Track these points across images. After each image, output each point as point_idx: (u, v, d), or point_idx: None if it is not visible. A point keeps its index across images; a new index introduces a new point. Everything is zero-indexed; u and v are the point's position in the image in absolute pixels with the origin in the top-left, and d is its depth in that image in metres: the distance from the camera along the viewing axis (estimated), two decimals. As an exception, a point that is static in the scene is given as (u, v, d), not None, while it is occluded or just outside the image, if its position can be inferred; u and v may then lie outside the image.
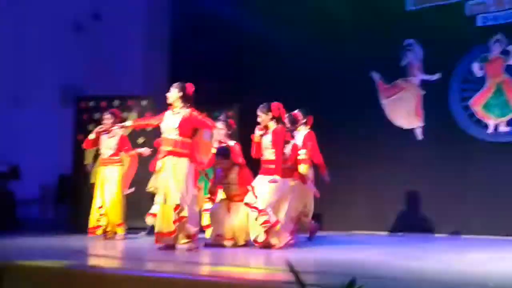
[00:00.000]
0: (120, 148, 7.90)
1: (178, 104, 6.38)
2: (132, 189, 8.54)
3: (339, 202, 9.65)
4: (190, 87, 6.43)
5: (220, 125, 7.29)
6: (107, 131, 7.87)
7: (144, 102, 9.11)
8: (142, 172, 8.86)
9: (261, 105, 6.71)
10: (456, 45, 9.15)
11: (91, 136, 7.91)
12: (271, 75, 10.37)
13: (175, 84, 6.46)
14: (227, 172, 7.04)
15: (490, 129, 8.92)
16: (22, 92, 10.13)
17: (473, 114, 9.05)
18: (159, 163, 6.32)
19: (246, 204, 6.47)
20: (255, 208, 6.34)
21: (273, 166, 6.51)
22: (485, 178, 8.76)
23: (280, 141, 6.55)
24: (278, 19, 10.32)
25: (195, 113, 6.40)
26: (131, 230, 8.23)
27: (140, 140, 8.88)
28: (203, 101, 9.78)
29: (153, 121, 6.67)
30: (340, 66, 9.82)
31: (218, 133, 7.24)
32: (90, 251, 6.19)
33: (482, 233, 8.48)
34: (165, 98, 6.50)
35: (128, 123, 6.98)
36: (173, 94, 6.39)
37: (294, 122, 7.44)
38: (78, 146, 8.93)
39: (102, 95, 9.24)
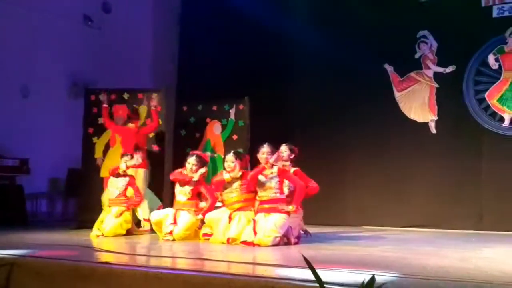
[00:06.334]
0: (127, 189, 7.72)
1: None
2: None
3: (350, 197, 9.56)
4: None
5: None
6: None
7: (154, 95, 8.98)
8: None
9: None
10: (471, 37, 9.02)
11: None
12: (281, 68, 10.26)
13: None
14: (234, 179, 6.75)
15: (506, 122, 8.77)
16: (31, 85, 10.08)
17: (488, 107, 8.89)
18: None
19: (244, 242, 6.19)
20: (250, 244, 6.12)
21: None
22: (501, 172, 8.63)
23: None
24: (288, 11, 10.22)
25: None
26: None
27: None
28: (213, 95, 9.80)
29: None
30: (353, 58, 9.68)
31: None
32: (98, 246, 6.10)
33: (496, 228, 8.37)
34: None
35: None
36: None
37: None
38: (88, 140, 8.85)
39: (112, 88, 9.14)
